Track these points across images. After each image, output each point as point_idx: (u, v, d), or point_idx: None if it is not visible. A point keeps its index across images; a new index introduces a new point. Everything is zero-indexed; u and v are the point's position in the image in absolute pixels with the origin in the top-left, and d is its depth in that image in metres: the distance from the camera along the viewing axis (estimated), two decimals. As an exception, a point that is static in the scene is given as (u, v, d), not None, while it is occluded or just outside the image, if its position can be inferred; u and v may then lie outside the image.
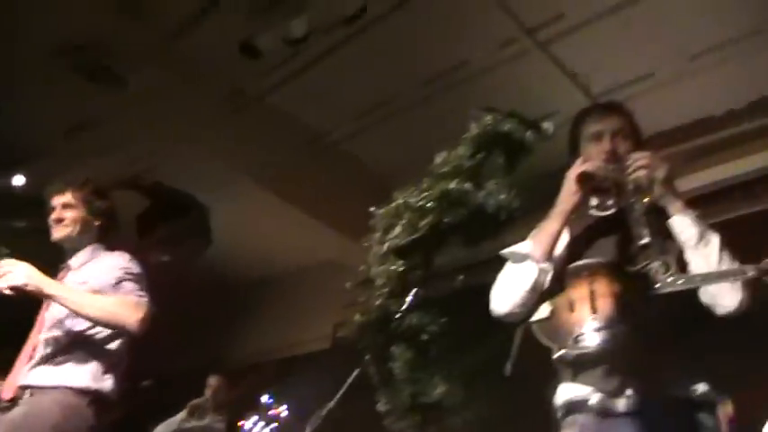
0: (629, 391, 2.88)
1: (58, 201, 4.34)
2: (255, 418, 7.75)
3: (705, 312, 2.95)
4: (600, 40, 5.91)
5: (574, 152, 3.31)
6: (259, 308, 9.62)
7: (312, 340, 8.92)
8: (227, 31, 5.93)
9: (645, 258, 2.94)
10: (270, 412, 7.79)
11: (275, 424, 7.72)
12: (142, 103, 6.56)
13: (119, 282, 4.11)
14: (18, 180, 7.24)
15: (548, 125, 3.46)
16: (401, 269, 3.34)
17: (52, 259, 4.16)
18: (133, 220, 7.62)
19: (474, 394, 3.55)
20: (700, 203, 3.29)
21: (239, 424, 7.75)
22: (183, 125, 6.97)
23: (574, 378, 3.01)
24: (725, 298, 2.91)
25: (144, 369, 5.74)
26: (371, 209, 3.51)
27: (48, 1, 5.67)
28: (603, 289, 2.93)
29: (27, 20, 5.81)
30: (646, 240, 2.94)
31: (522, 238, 3.23)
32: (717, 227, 3.07)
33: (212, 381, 7.95)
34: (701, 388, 2.91)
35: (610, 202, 3.21)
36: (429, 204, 3.31)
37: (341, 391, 3.31)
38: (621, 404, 2.89)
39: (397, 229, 3.35)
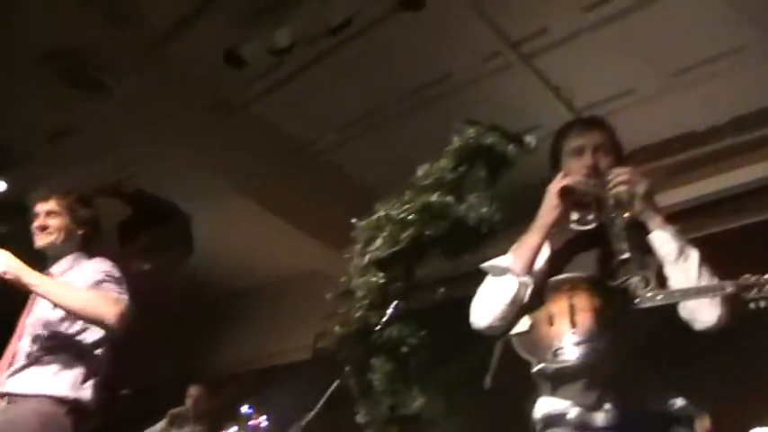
0: (607, 406, 2.88)
1: (41, 208, 4.33)
2: (235, 428, 7.72)
3: (684, 327, 2.95)
4: (583, 54, 5.93)
5: (555, 166, 3.31)
6: (240, 317, 9.60)
7: (293, 350, 8.89)
8: (211, 39, 5.93)
9: (625, 273, 2.95)
10: (250, 422, 7.76)
11: (255, 434, 7.70)
12: (126, 110, 6.55)
13: (99, 283, 4.09)
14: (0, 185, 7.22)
15: (530, 139, 3.48)
16: (382, 281, 3.34)
17: (34, 266, 4.14)
18: (115, 227, 7.59)
19: (453, 407, 3.56)
20: (681, 218, 3.30)
21: (219, 434, 7.73)
22: (166, 133, 6.96)
23: (553, 392, 3.01)
24: (703, 313, 2.91)
25: (124, 378, 5.71)
26: (353, 220, 3.51)
27: (33, 7, 5.65)
28: (583, 303, 2.93)
29: (11, 25, 5.80)
30: (626, 255, 2.96)
31: (504, 252, 3.23)
32: (697, 242, 3.08)
33: (193, 390, 7.92)
34: (679, 402, 2.92)
35: (590, 217, 3.21)
36: (410, 217, 3.32)
37: (320, 402, 3.30)
38: (600, 418, 2.89)
39: (379, 242, 3.36)
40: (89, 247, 4.39)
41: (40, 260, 4.34)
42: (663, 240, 3.01)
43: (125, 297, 4.10)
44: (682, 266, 2.96)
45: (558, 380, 2.98)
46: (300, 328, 8.47)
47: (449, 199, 3.34)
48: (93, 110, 6.54)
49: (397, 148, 6.51)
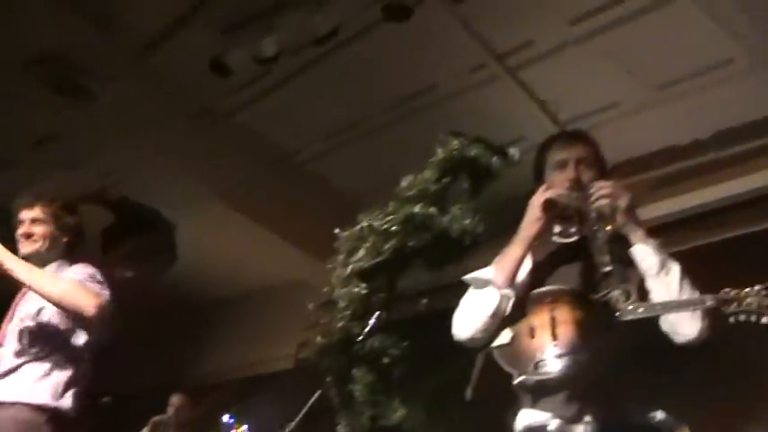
0: (587, 418, 2.89)
1: (26, 215, 4.31)
2: (217, 437, 7.72)
3: (665, 341, 2.97)
4: (568, 67, 5.95)
5: (538, 179, 3.33)
6: (223, 326, 9.57)
7: (275, 360, 8.87)
8: (197, 47, 5.93)
9: (607, 286, 2.97)
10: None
11: (237, 443, 7.68)
12: (111, 117, 6.54)
13: (81, 282, 4.07)
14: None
15: (514, 151, 3.49)
16: (364, 292, 3.34)
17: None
18: (98, 234, 7.57)
19: (434, 418, 3.56)
20: (664, 232, 3.32)
21: (201, 443, 7.72)
22: (151, 140, 6.95)
23: (534, 404, 3.01)
24: (684, 327, 2.93)
25: (105, 385, 5.68)
26: (336, 231, 3.51)
27: (18, 12, 5.64)
28: (565, 316, 2.94)
29: (-4, 31, 5.79)
30: (608, 268, 2.97)
31: (487, 263, 3.24)
32: (680, 256, 3.10)
33: (175, 399, 7.90)
34: (659, 415, 2.93)
35: (573, 230, 3.22)
36: (393, 228, 3.32)
37: (302, 412, 3.30)
38: (580, 430, 2.90)
39: (361, 252, 3.36)
40: (73, 255, 4.37)
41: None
42: (644, 254, 3.03)
43: (107, 293, 4.08)
44: (663, 280, 2.98)
45: (539, 392, 2.98)
46: (283, 338, 8.44)
47: (432, 210, 3.34)
48: (77, 116, 6.52)
49: (382, 159, 6.52)
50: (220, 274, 8.92)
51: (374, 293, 3.34)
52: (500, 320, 3.10)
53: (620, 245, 3.06)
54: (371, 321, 3.24)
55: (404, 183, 3.47)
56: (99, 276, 4.17)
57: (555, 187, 3.20)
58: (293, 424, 3.35)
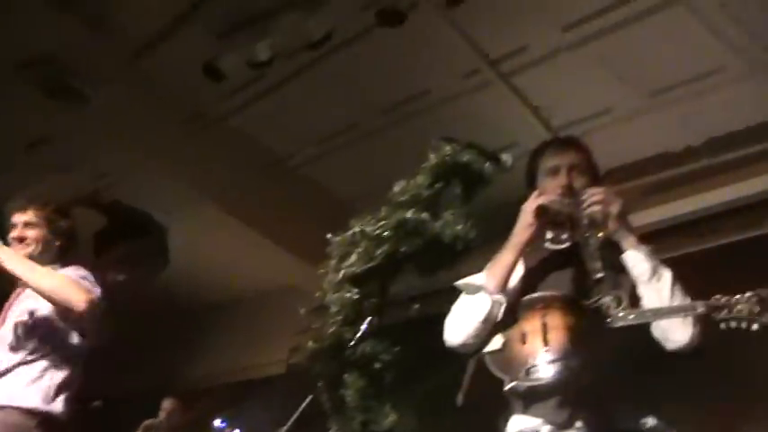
0: (578, 424, 2.90)
1: (19, 219, 4.29)
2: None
3: (656, 347, 2.97)
4: (562, 73, 5.96)
5: (531, 185, 3.34)
6: (215, 330, 9.55)
7: (267, 365, 8.86)
8: (191, 51, 5.93)
9: (599, 292, 2.98)
10: (223, 436, 7.76)
11: (228, 448, 7.68)
12: (104, 120, 6.54)
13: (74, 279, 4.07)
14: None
15: (506, 157, 3.49)
16: (356, 297, 3.33)
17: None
18: (90, 238, 7.55)
19: (425, 424, 3.56)
20: (656, 238, 3.33)
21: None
22: (144, 144, 6.95)
23: (525, 410, 3.01)
24: (676, 333, 2.94)
25: (96, 389, 5.67)
26: (328, 235, 3.51)
27: (10, 15, 5.63)
28: (556, 322, 2.95)
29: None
30: (600, 275, 2.98)
31: (479, 269, 3.24)
32: (672, 262, 3.11)
33: (167, 403, 7.89)
34: (650, 421, 2.94)
35: (564, 236, 3.22)
36: (385, 233, 3.31)
37: (293, 417, 3.29)
38: (571, 436, 2.91)
39: (353, 257, 3.35)
40: (65, 258, 4.36)
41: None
42: (636, 260, 3.03)
43: (98, 291, 4.07)
44: (655, 286, 2.99)
45: (530, 398, 2.98)
46: (275, 343, 8.43)
47: (424, 216, 3.33)
48: (70, 119, 6.53)
49: (374, 164, 6.53)
50: (212, 278, 8.91)
51: (366, 299, 3.34)
52: (491, 326, 3.11)
53: (612, 251, 3.07)
54: (363, 326, 3.22)
55: (396, 188, 3.47)
56: (91, 278, 4.16)
57: (547, 193, 3.21)
58: (285, 429, 3.34)
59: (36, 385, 3.98)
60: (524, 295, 3.11)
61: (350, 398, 3.33)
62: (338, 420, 3.35)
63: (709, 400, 5.28)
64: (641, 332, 2.94)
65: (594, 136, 5.59)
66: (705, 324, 2.87)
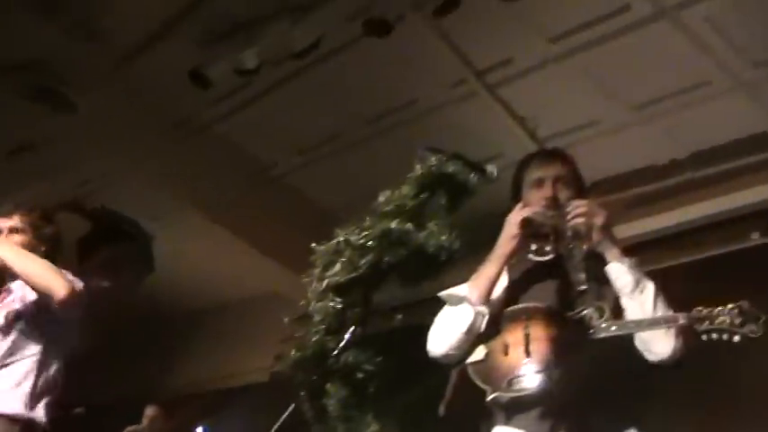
0: (560, 435, 2.91)
1: (4, 224, 4.26)
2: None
3: (638, 359, 2.98)
4: (548, 85, 5.98)
5: (516, 196, 3.35)
6: (197, 338, 9.53)
7: (250, 372, 8.84)
8: (178, 58, 5.91)
9: (582, 304, 2.99)
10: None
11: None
12: (89, 127, 6.52)
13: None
14: (-42, 199, 7.14)
15: (492, 168, 3.49)
16: (339, 306, 3.33)
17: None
18: (73, 243, 7.51)
19: (407, 434, 3.55)
20: (641, 251, 3.34)
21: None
22: (129, 150, 6.93)
23: (507, 421, 3.02)
24: (657, 345, 2.95)
25: (79, 396, 5.64)
26: (312, 245, 3.50)
27: (-4, 20, 5.62)
28: (539, 333, 2.96)
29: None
30: (583, 286, 2.99)
31: (463, 280, 3.25)
32: (654, 275, 3.12)
33: (149, 411, 7.88)
34: (632, 432, 2.95)
35: (548, 248, 3.23)
36: (370, 243, 3.31)
37: (275, 426, 3.28)
38: (553, 448, 2.91)
39: (337, 267, 3.34)
40: (50, 264, 4.33)
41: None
42: (619, 272, 3.04)
43: (81, 284, 4.04)
44: (638, 298, 3.00)
45: (513, 409, 2.99)
46: (258, 351, 8.41)
47: (409, 226, 3.33)
48: (55, 125, 6.49)
49: (359, 174, 6.53)
50: (196, 285, 8.88)
51: (349, 308, 3.33)
52: (474, 337, 3.11)
53: (596, 263, 3.08)
54: (346, 336, 3.22)
55: (381, 198, 3.46)
56: (77, 281, 4.14)
57: (531, 205, 3.22)
58: (266, 437, 3.34)
59: (17, 391, 3.93)
60: (508, 306, 3.13)
61: (332, 407, 3.32)
62: (320, 429, 3.35)
63: (692, 412, 5.31)
64: (624, 344, 2.94)
65: (580, 148, 5.62)
66: (688, 337, 2.89)
